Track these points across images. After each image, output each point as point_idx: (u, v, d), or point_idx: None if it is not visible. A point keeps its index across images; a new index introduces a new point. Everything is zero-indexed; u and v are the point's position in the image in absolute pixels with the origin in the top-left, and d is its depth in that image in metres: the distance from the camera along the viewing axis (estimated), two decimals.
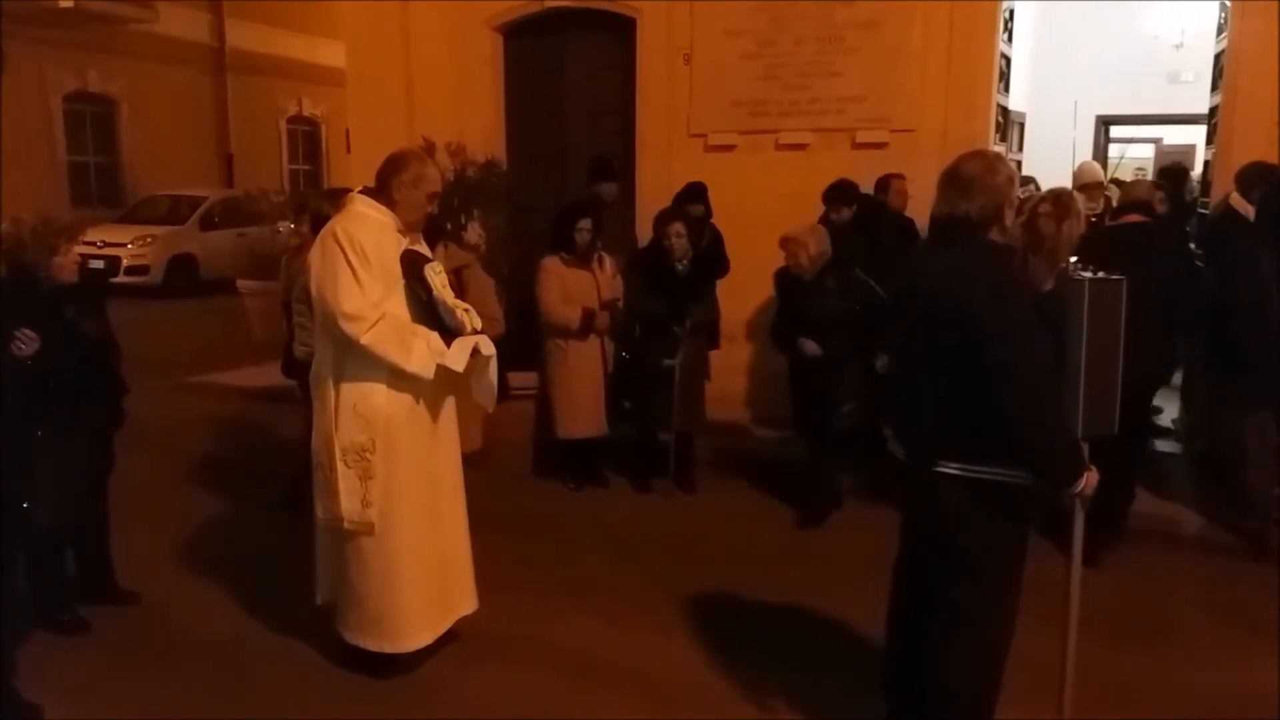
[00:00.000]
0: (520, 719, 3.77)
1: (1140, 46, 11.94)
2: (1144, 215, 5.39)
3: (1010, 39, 7.89)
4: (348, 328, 3.65)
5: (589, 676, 4.05)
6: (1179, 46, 11.68)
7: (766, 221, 6.13)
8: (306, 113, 21.29)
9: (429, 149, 7.05)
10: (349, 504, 3.79)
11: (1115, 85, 11.98)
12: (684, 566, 5.13)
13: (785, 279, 5.80)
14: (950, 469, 3.00)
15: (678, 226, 5.96)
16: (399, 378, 3.75)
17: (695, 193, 6.93)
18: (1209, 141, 7.49)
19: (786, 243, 5.71)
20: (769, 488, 6.18)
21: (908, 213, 6.80)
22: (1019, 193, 3.07)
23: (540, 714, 3.79)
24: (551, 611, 4.61)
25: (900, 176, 6.90)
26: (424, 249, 3.99)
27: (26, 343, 3.68)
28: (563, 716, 3.77)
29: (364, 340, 3.65)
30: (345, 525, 3.81)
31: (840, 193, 6.70)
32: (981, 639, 3.11)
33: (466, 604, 4.17)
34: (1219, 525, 5.47)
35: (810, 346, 5.58)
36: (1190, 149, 11.96)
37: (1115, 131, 13.36)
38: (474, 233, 7.93)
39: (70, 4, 15.01)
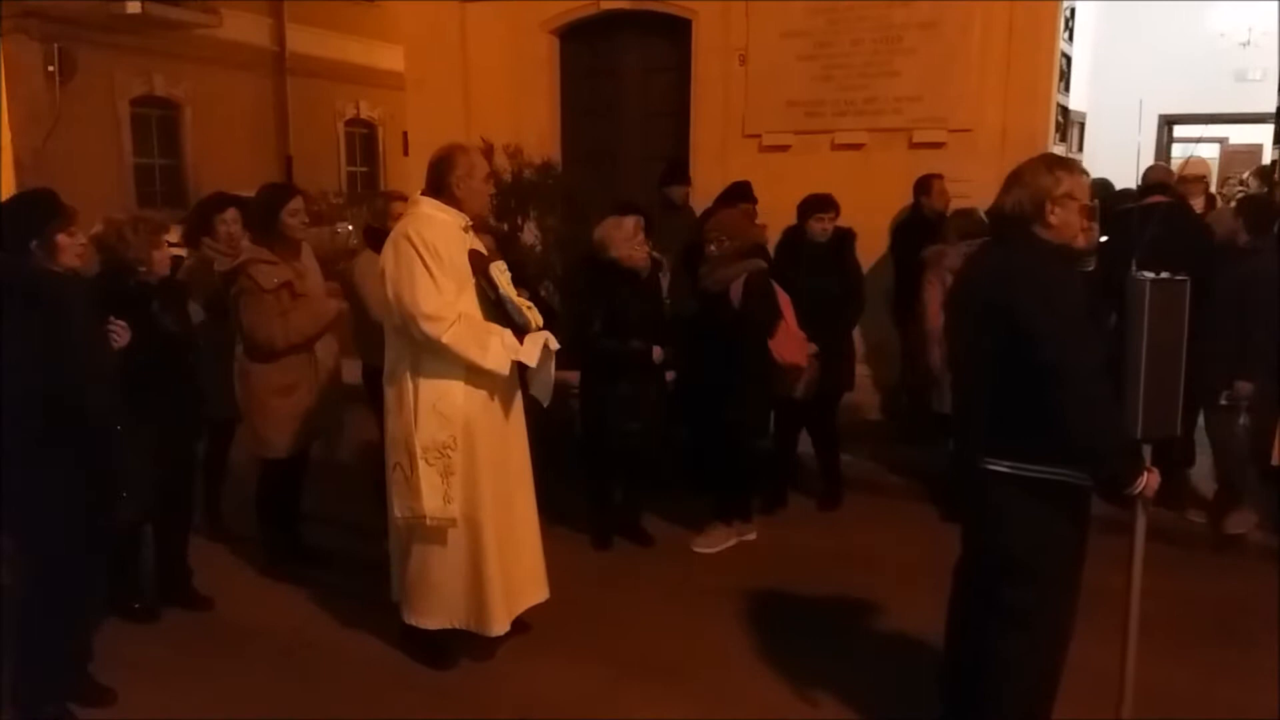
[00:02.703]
0: (576, 711, 3.81)
1: (1205, 44, 11.68)
2: (1164, 196, 5.67)
3: (1071, 38, 7.79)
4: (429, 328, 3.73)
5: (642, 671, 4.09)
6: (1246, 44, 11.42)
7: None
8: (364, 115, 21.52)
9: (488, 151, 7.13)
10: (431, 501, 3.86)
11: (1179, 83, 11.72)
12: (739, 565, 5.16)
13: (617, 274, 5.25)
14: (1001, 467, 2.99)
15: None
16: (475, 375, 3.85)
17: (743, 192, 6.92)
18: (1276, 141, 7.34)
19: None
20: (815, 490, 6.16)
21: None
22: (1071, 194, 2.99)
23: (595, 706, 3.83)
24: (604, 606, 4.66)
25: (939, 177, 6.82)
26: (482, 248, 4.06)
27: (121, 333, 3.78)
28: (617, 708, 3.82)
29: (445, 339, 3.73)
30: (428, 522, 3.89)
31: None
32: (1036, 641, 3.09)
33: (539, 592, 4.26)
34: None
35: (657, 353, 5.22)
36: (1257, 148, 11.71)
37: (1179, 131, 13.07)
38: (530, 233, 8.01)
39: (138, 10, 15.33)
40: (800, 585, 4.89)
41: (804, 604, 4.73)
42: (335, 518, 5.33)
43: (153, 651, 4.21)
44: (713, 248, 5.25)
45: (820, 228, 5.75)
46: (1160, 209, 5.41)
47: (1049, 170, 2.98)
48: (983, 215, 5.47)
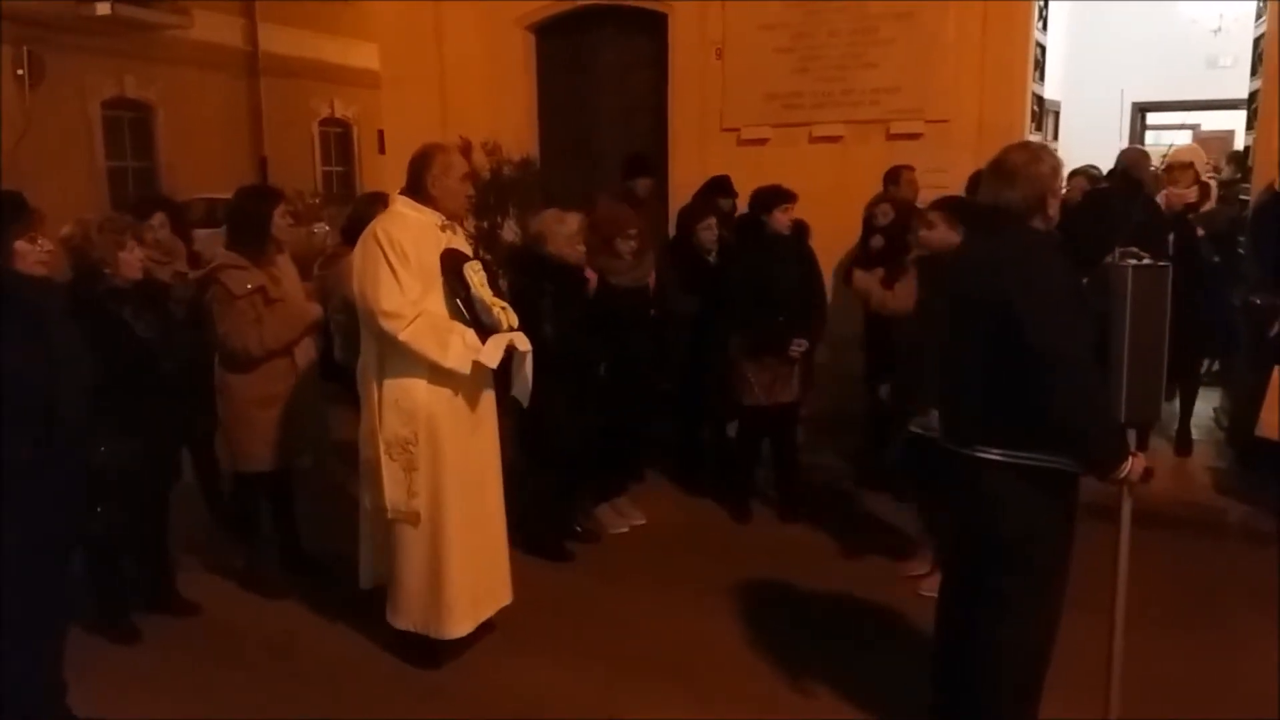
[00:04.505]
0: (572, 711, 3.80)
1: (1177, 32, 11.80)
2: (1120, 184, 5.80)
3: (1045, 27, 7.84)
4: (386, 325, 3.73)
5: (635, 667, 4.09)
6: (1217, 31, 11.54)
7: (801, 215, 6.11)
8: (339, 114, 21.42)
9: (466, 148, 7.09)
10: (394, 495, 3.87)
11: (1152, 71, 11.84)
12: (728, 557, 5.16)
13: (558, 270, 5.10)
14: (992, 454, 3.01)
15: (710, 220, 5.93)
16: (439, 373, 3.83)
17: (722, 186, 6.92)
18: (1249, 127, 7.40)
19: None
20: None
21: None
22: (1063, 182, 3.07)
23: (587, 703, 3.83)
24: (596, 604, 4.66)
25: (910, 168, 6.82)
26: (464, 247, 4.04)
27: None
28: (613, 706, 3.81)
29: (402, 337, 3.73)
30: (390, 516, 3.90)
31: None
32: (1026, 628, 3.11)
33: (503, 595, 4.24)
34: (1265, 513, 5.41)
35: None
36: (1229, 134, 11.82)
37: (1152, 118, 13.20)
38: (510, 231, 8.00)
39: (107, 11, 15.19)
40: (785, 577, 4.89)
41: (791, 596, 4.73)
42: (318, 519, 5.29)
43: (141, 657, 4.18)
44: (634, 244, 5.35)
45: (786, 219, 5.58)
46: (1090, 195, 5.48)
47: (1042, 161, 3.02)
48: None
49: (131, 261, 4.12)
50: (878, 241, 6.00)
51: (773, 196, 5.59)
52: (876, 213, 6.10)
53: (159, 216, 5.17)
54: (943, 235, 4.52)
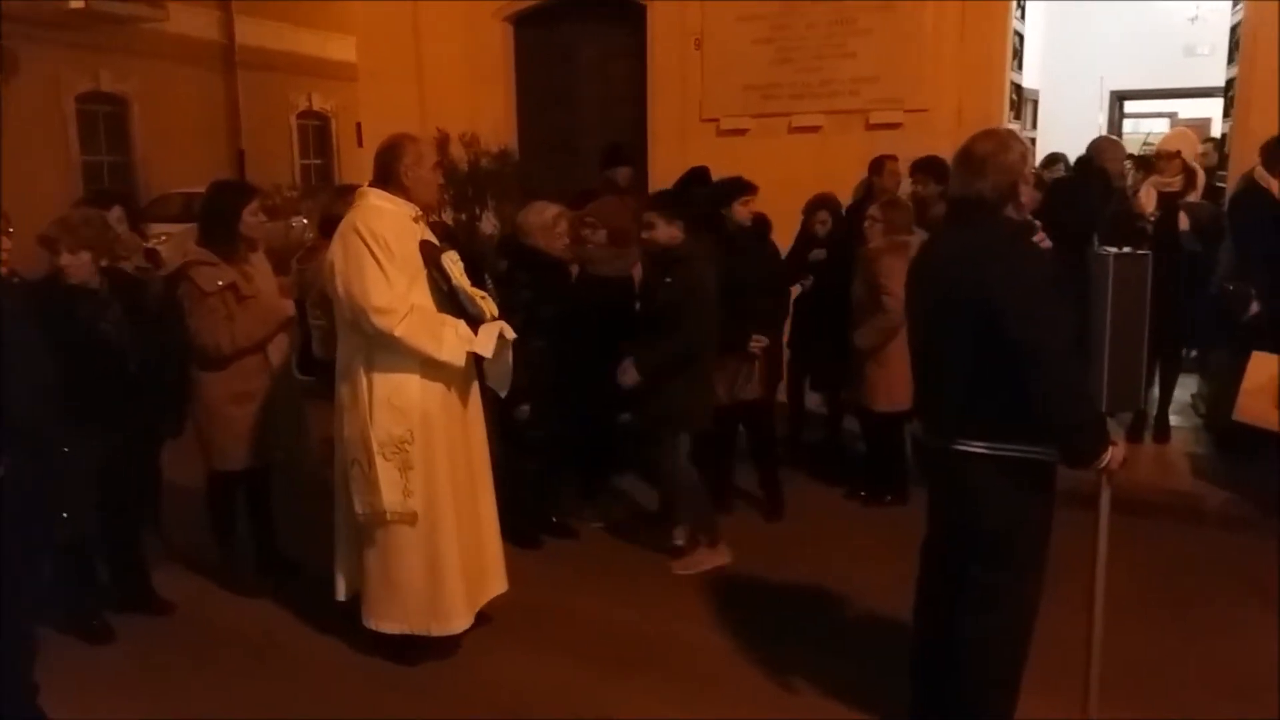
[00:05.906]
0: (552, 704, 3.79)
1: (1154, 20, 11.88)
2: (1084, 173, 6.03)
3: (1023, 16, 7.85)
4: (380, 322, 3.66)
5: (619, 661, 4.07)
6: (1194, 19, 11.61)
7: (780, 205, 6.09)
8: (316, 107, 21.25)
9: (443, 140, 7.06)
10: (390, 496, 3.80)
11: (1129, 60, 11.92)
12: None
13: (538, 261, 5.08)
14: (973, 447, 2.99)
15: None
16: (430, 368, 3.79)
17: (702, 177, 6.87)
18: (1226, 114, 7.44)
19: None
20: (793, 469, 6.14)
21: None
22: (1033, 168, 3.05)
23: (574, 700, 3.80)
24: (581, 600, 4.63)
25: (893, 158, 6.80)
26: (433, 238, 3.99)
27: None
28: (596, 702, 3.79)
29: (398, 332, 3.67)
30: (388, 517, 3.83)
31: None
32: (1007, 618, 3.11)
33: (498, 584, 4.23)
34: (1242, 499, 5.44)
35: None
36: (1206, 122, 11.89)
37: (1130, 106, 13.27)
38: (489, 223, 7.97)
39: (81, 5, 15.03)
40: (766, 573, 4.88)
41: (776, 591, 4.73)
42: (296, 518, 5.25)
43: (116, 657, 4.13)
44: (601, 236, 5.43)
45: (747, 212, 5.40)
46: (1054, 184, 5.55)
47: (1010, 149, 2.97)
48: (909, 204, 5.53)
49: (79, 264, 4.00)
50: (819, 254, 5.94)
51: (733, 189, 5.45)
52: (814, 222, 6.02)
53: (116, 210, 5.05)
54: (664, 233, 4.66)
